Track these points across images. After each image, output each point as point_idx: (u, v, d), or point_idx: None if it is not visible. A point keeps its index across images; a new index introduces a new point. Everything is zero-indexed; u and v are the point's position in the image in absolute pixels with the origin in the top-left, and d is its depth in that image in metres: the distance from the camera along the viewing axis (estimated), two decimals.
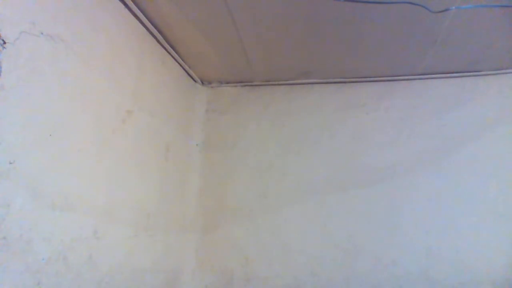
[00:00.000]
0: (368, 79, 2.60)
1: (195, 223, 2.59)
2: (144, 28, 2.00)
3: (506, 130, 2.33)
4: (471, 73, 2.43)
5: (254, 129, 2.71)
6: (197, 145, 2.74)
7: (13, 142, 1.16)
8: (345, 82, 2.65)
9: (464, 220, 2.26)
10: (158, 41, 2.15)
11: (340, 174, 2.49)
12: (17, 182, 1.17)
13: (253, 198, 2.57)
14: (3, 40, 1.13)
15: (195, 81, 2.76)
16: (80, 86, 1.49)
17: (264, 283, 2.40)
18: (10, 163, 1.15)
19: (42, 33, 1.28)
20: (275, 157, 2.62)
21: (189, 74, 2.65)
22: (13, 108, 1.17)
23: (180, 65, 2.49)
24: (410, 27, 1.97)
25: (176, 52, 2.35)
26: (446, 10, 1.75)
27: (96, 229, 1.56)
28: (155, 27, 2.05)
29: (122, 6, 1.80)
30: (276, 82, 2.74)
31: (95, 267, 1.54)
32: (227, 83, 2.83)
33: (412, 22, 1.91)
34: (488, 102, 2.40)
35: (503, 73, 2.40)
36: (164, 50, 2.25)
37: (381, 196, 2.40)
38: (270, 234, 2.48)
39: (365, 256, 2.32)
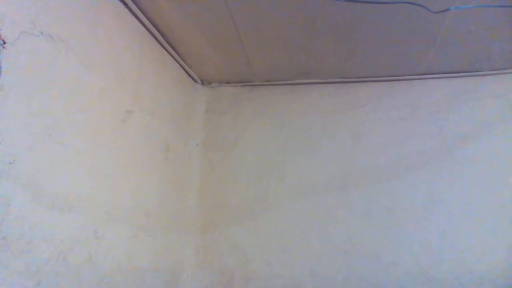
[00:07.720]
0: (368, 79, 2.60)
1: (195, 223, 2.59)
2: (144, 28, 2.00)
3: (506, 130, 2.33)
4: (471, 73, 2.43)
5: (254, 129, 2.71)
6: (197, 145, 2.74)
7: (13, 142, 1.16)
8: (344, 82, 2.65)
9: (464, 220, 2.26)
10: (158, 41, 2.15)
11: (340, 174, 2.49)
12: (17, 182, 1.17)
13: (253, 198, 2.57)
14: (3, 40, 1.13)
15: (195, 81, 2.76)
16: (80, 86, 1.49)
17: (264, 283, 2.40)
18: (10, 163, 1.15)
19: (42, 33, 1.28)
20: (275, 157, 2.62)
21: (189, 74, 2.65)
22: (13, 108, 1.17)
23: (180, 65, 2.49)
24: (410, 27, 1.97)
25: (176, 52, 2.35)
26: (446, 10, 1.75)
27: (96, 229, 1.56)
28: (155, 27, 2.04)
29: (122, 6, 1.80)
30: (276, 82, 2.75)
31: (95, 267, 1.54)
32: (227, 83, 2.83)
33: (412, 22, 1.91)
34: (488, 102, 2.40)
35: (502, 73, 2.40)
36: (164, 50, 2.25)
37: (381, 196, 2.40)
38: (270, 234, 2.48)
39: (365, 256, 2.32)
